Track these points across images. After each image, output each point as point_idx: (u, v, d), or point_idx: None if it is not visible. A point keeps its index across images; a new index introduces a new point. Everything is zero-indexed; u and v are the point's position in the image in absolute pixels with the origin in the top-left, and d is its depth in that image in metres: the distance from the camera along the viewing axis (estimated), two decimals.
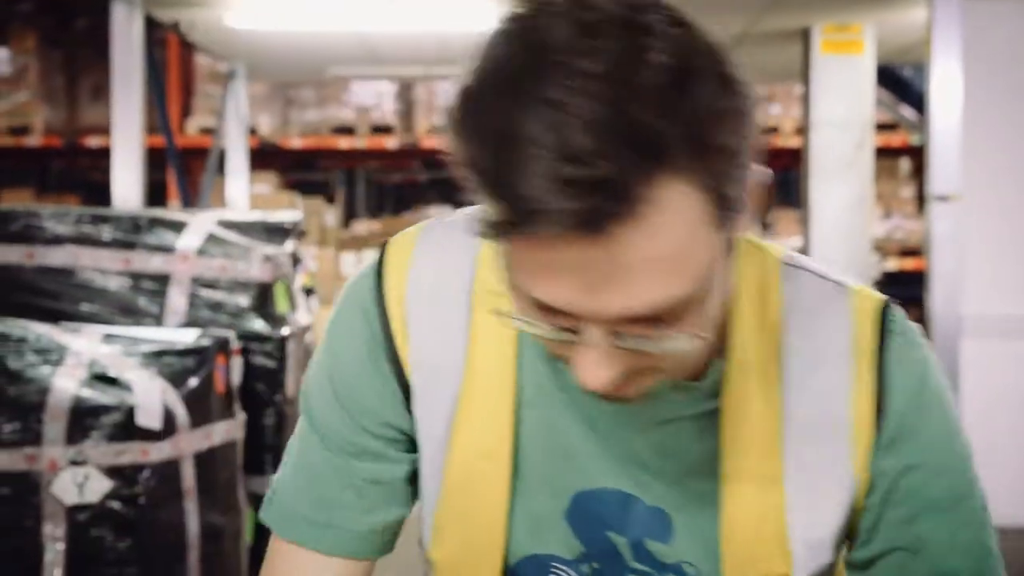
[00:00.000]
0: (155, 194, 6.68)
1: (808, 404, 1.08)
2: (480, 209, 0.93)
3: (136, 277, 2.99)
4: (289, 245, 3.25)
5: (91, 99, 8.24)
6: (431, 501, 1.14)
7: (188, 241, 3.03)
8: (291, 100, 8.48)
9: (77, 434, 2.52)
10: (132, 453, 2.55)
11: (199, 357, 2.72)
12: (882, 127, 7.47)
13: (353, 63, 6.15)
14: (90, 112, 8.23)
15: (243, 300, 3.01)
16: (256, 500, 3.05)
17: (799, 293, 1.10)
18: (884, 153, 7.73)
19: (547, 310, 0.94)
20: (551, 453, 1.11)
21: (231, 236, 3.11)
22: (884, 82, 6.71)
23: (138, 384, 2.58)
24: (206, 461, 2.71)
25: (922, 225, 6.96)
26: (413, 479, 1.17)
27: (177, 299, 2.99)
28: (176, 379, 2.67)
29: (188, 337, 2.78)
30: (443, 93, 8.46)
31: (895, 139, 8.30)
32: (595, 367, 0.95)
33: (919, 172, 7.70)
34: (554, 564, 1.13)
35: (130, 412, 2.55)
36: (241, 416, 2.92)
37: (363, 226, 8.43)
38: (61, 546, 2.51)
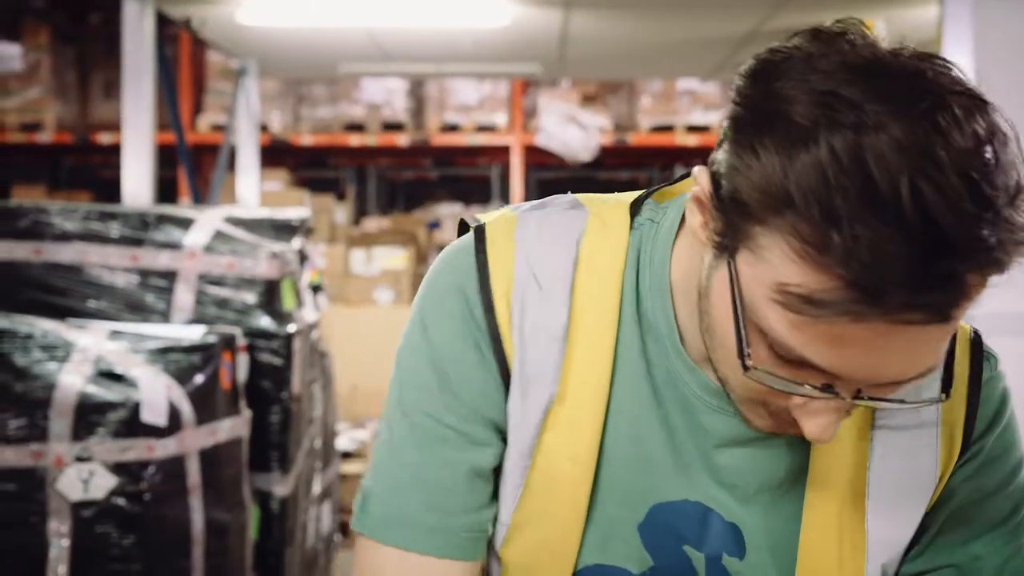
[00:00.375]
0: (166, 191, 6.69)
1: (899, 425, 1.10)
2: (573, 204, 1.05)
3: (143, 274, 3.00)
4: (296, 242, 3.25)
5: (103, 96, 8.25)
6: (511, 499, 1.11)
7: (195, 238, 3.03)
8: (302, 97, 8.48)
9: (83, 430, 2.53)
10: (137, 450, 2.55)
11: (205, 354, 2.72)
12: None
13: (364, 60, 6.14)
14: (102, 108, 8.24)
15: (250, 297, 3.01)
16: (261, 497, 3.05)
17: None
18: None
19: (801, 366, 0.94)
20: (632, 462, 1.10)
21: (238, 233, 3.11)
22: None
23: (144, 381, 2.59)
24: (211, 458, 2.71)
25: None
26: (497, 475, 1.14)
27: (184, 296, 2.99)
28: (182, 376, 2.67)
29: (194, 334, 2.78)
30: (454, 91, 8.45)
31: None
32: (836, 423, 0.97)
33: None
34: None
35: (136, 408, 2.55)
36: (247, 413, 2.92)
37: (373, 223, 8.43)
38: (66, 542, 2.52)
